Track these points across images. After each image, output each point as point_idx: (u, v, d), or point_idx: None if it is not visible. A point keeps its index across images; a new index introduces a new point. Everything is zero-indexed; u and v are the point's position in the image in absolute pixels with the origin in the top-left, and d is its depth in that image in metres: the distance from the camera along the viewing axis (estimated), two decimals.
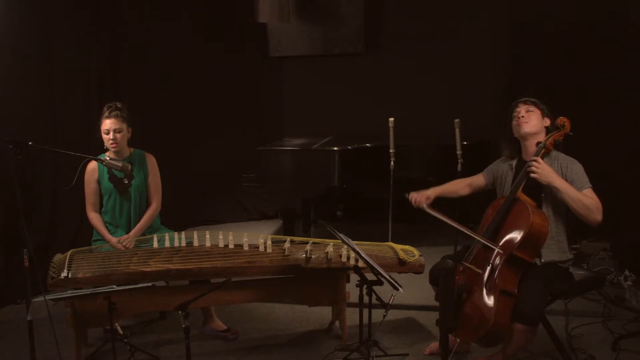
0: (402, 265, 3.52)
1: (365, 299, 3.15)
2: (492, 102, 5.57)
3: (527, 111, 3.12)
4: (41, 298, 2.91)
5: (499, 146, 3.37)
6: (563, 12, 5.12)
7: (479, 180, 3.42)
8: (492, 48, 5.94)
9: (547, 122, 3.13)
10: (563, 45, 5.16)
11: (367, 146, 5.04)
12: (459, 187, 3.47)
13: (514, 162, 3.23)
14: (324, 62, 6.52)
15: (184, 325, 2.77)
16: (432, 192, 3.37)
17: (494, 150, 3.53)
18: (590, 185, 2.99)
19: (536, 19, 5.40)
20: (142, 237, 3.66)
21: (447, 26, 6.07)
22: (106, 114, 3.64)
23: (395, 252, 3.56)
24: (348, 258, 3.44)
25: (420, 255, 3.60)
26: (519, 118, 3.13)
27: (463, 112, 4.64)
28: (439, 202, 3.38)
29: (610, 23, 4.76)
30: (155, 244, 3.54)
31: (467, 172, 3.81)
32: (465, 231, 3.03)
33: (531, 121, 3.11)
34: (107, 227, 3.71)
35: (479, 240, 3.00)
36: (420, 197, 3.32)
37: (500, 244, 2.97)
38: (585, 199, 2.92)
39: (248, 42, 6.43)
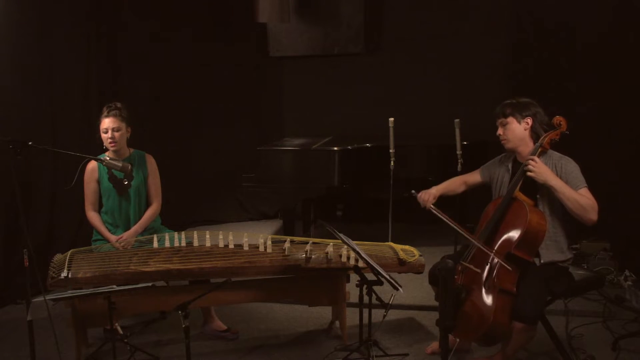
0: (402, 265, 3.52)
1: (365, 299, 3.14)
2: (492, 102, 5.55)
3: (503, 126, 3.13)
4: (41, 298, 2.91)
5: (499, 146, 3.37)
6: (563, 11, 5.11)
7: (474, 177, 3.44)
8: (493, 48, 5.94)
9: (528, 122, 3.09)
10: (564, 44, 5.16)
11: (367, 146, 5.03)
12: (455, 185, 3.48)
13: (510, 164, 3.23)
14: (324, 62, 6.52)
15: (184, 325, 2.77)
16: (437, 191, 3.39)
17: (493, 150, 3.52)
18: (586, 185, 2.98)
19: (536, 17, 5.39)
20: (142, 237, 3.66)
21: (447, 26, 6.07)
22: (105, 113, 3.65)
23: (395, 252, 3.56)
24: (348, 258, 3.44)
25: (420, 255, 3.60)
26: (499, 136, 3.16)
27: (463, 112, 4.64)
28: (440, 202, 3.38)
29: (612, 21, 4.75)
30: (155, 244, 3.53)
31: (467, 172, 3.80)
32: (465, 235, 3.03)
33: (508, 137, 3.13)
34: (107, 228, 3.72)
35: (476, 244, 3.00)
36: (428, 196, 3.32)
37: (498, 243, 2.97)
38: (581, 198, 2.92)
39: (248, 42, 6.44)
